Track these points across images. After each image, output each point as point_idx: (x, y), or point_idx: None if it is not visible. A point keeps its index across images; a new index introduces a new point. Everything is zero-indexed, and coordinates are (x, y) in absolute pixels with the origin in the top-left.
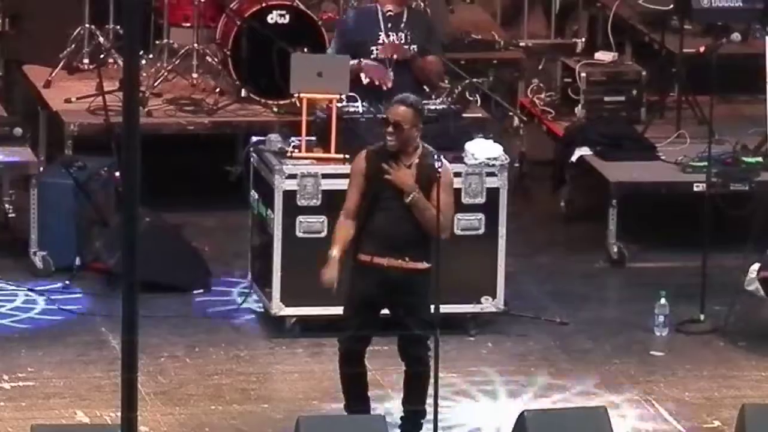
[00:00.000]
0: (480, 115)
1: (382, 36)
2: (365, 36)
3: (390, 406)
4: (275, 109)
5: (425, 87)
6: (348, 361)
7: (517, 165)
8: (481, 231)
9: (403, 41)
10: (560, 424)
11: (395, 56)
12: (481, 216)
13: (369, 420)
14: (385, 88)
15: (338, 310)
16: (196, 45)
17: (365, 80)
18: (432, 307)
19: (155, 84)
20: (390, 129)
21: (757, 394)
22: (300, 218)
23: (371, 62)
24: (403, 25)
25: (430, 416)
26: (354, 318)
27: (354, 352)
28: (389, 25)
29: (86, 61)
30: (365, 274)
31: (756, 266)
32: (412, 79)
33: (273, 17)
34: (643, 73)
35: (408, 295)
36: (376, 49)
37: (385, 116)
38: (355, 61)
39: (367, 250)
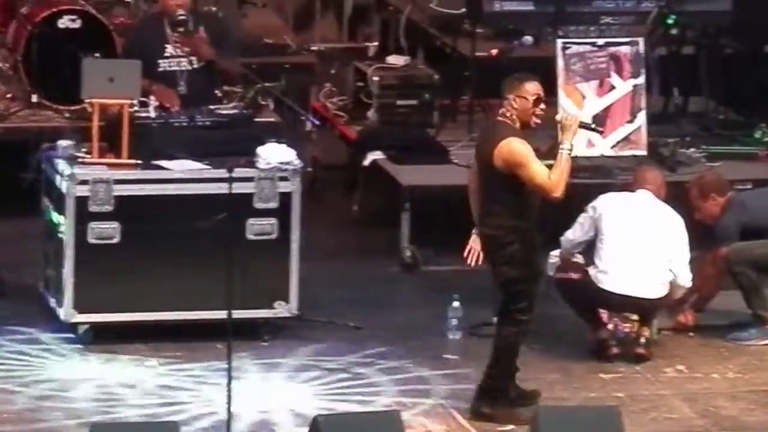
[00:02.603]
0: (272, 119)
1: (169, 48)
2: (151, 49)
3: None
4: (67, 115)
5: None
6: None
7: (309, 169)
8: (274, 236)
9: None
10: (353, 428)
11: (194, 55)
12: (273, 221)
13: (162, 426)
14: (173, 110)
15: (132, 317)
16: None
17: (154, 103)
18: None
19: None
20: (542, 105)
21: (551, 396)
22: (92, 224)
23: (160, 87)
24: (192, 29)
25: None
26: None
27: None
28: (179, 29)
29: None
30: None
31: (556, 252)
32: (208, 84)
33: (64, 22)
34: (436, 77)
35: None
36: (165, 63)
37: (536, 96)
38: (146, 81)
39: None
